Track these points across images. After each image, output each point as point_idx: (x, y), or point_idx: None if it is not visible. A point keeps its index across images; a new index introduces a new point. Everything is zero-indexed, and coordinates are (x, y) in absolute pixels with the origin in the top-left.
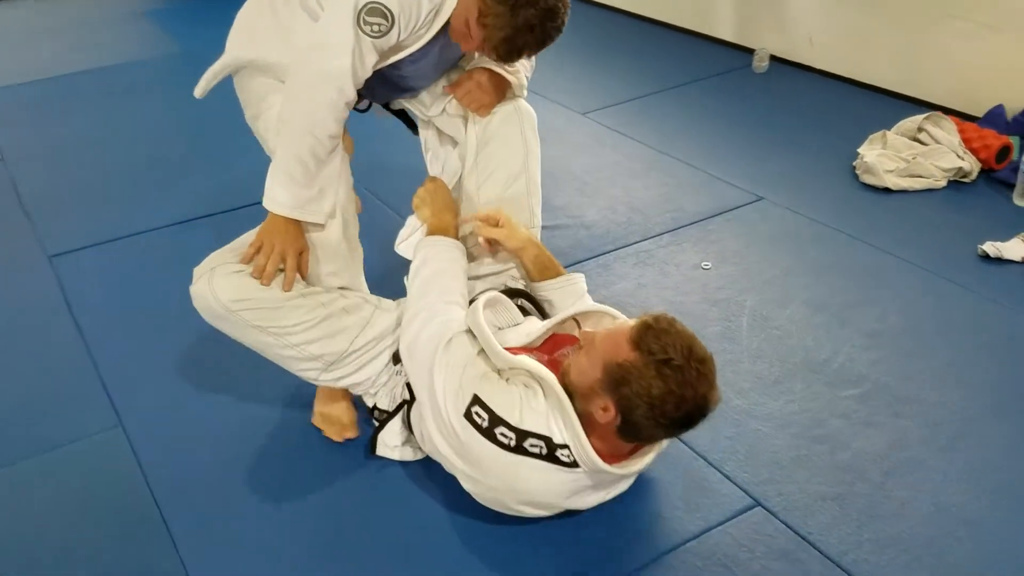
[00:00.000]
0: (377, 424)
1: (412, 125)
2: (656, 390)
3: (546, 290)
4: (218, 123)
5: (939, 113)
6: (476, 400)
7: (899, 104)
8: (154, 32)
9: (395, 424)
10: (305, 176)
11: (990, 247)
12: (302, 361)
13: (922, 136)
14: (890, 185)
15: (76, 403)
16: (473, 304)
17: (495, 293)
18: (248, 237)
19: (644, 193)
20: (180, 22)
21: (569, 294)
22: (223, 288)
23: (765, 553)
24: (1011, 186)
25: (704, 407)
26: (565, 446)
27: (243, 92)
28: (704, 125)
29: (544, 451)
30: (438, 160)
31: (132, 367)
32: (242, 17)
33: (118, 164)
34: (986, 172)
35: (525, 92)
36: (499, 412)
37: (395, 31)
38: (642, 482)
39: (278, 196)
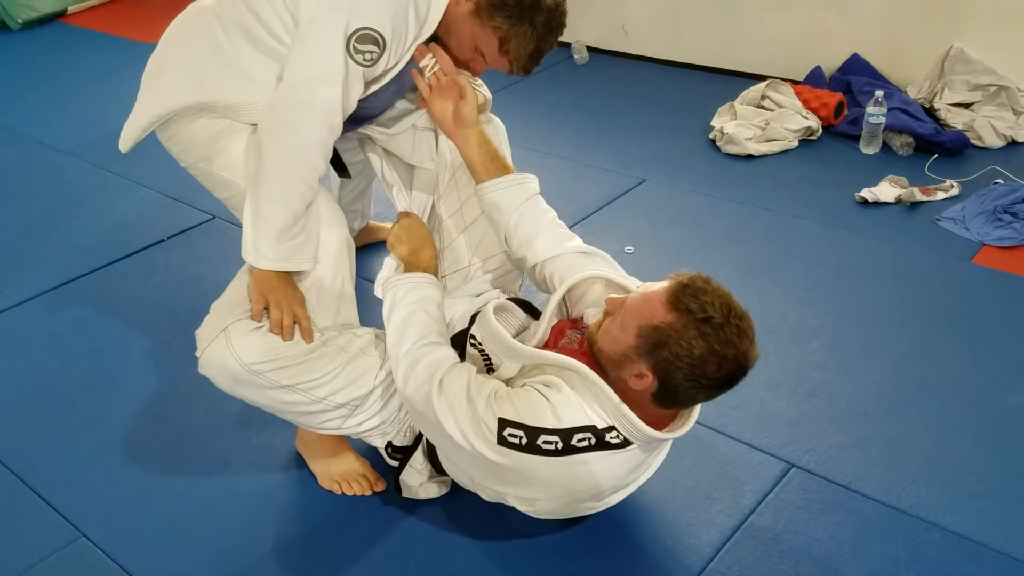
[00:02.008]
0: (395, 462)
1: (341, 166)
2: (698, 350)
3: (494, 189)
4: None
5: (777, 80)
6: (504, 423)
7: (722, 78)
8: None
9: (416, 460)
10: (294, 225)
11: (867, 193)
12: (327, 412)
13: (766, 103)
14: (752, 151)
15: (21, 524)
16: (482, 311)
17: (502, 300)
18: (238, 289)
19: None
20: None
21: (519, 194)
22: (246, 349)
23: (821, 509)
24: (853, 137)
25: (745, 364)
26: (611, 427)
27: (180, 138)
28: (551, 119)
29: (593, 441)
30: (404, 192)
31: (63, 469)
32: (170, 58)
33: None
34: (827, 128)
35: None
36: (534, 423)
37: (384, 58)
38: (674, 468)
39: (263, 250)
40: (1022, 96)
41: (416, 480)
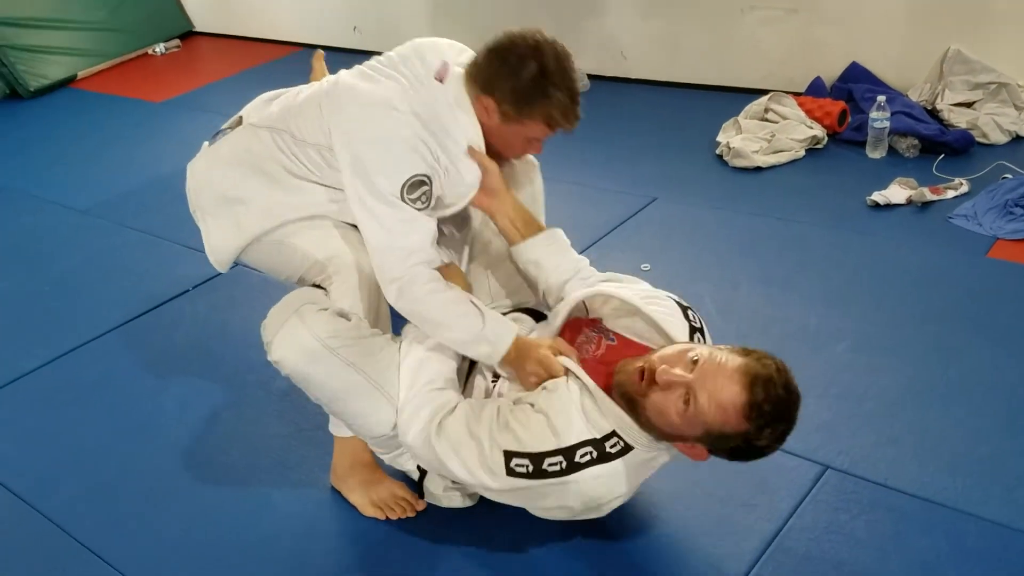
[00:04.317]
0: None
1: None
2: (763, 441)
3: (532, 249)
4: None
5: (779, 92)
6: (509, 455)
7: (723, 95)
8: None
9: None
10: (477, 316)
11: (878, 196)
12: (382, 404)
13: (769, 115)
14: (760, 164)
15: None
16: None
17: (516, 314)
18: (299, 292)
19: (549, 218)
20: None
21: (556, 251)
22: (320, 325)
23: (859, 508)
24: (859, 143)
25: None
26: (611, 434)
27: (286, 249)
28: (558, 147)
29: (595, 455)
30: (442, 243)
31: (107, 519)
32: (241, 189)
33: None
34: (831, 136)
35: None
36: (537, 448)
37: (437, 185)
38: (708, 478)
39: (493, 339)
40: (1023, 92)
41: (438, 486)
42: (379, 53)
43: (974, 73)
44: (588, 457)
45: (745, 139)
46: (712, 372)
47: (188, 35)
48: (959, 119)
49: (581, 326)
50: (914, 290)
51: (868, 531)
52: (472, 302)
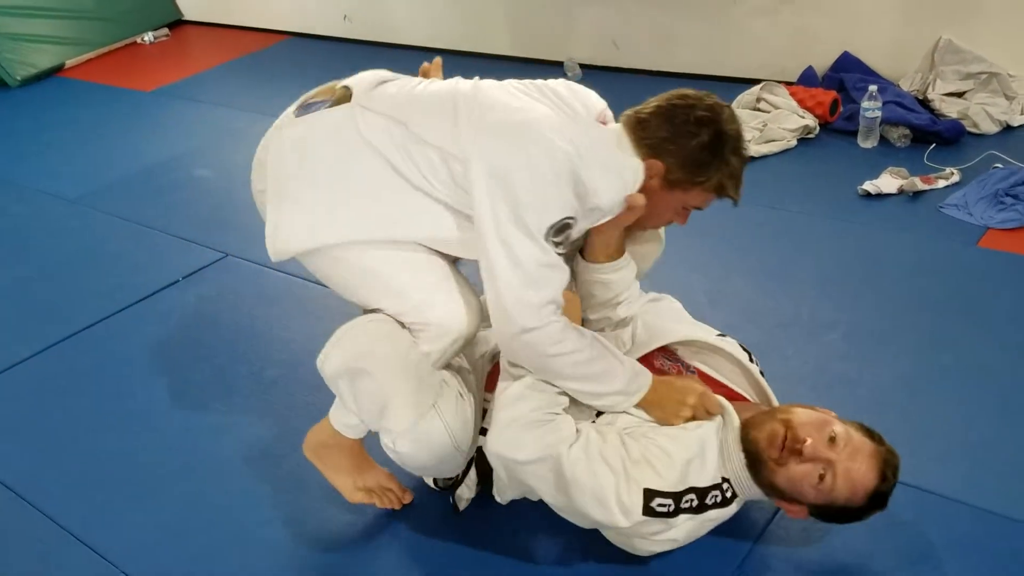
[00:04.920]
0: (441, 487)
1: None
2: (863, 517)
3: (608, 271)
4: None
5: (771, 82)
6: (651, 494)
7: (716, 85)
8: None
9: (470, 479)
10: (605, 368)
11: (870, 186)
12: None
13: (761, 105)
14: (752, 153)
15: (58, 566)
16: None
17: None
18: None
19: None
20: None
21: (626, 276)
22: (454, 420)
23: None
24: (850, 133)
25: None
26: (726, 479)
27: (368, 275)
28: None
29: (719, 499)
30: None
31: (97, 509)
32: (335, 188)
33: None
34: (823, 125)
35: None
36: (678, 488)
37: (574, 232)
38: None
39: (629, 389)
40: (1013, 81)
41: (467, 495)
42: (370, 43)
43: (965, 63)
44: (715, 500)
45: None
46: (852, 455)
47: (177, 24)
48: (950, 109)
49: (655, 354)
50: (905, 279)
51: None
52: (612, 354)
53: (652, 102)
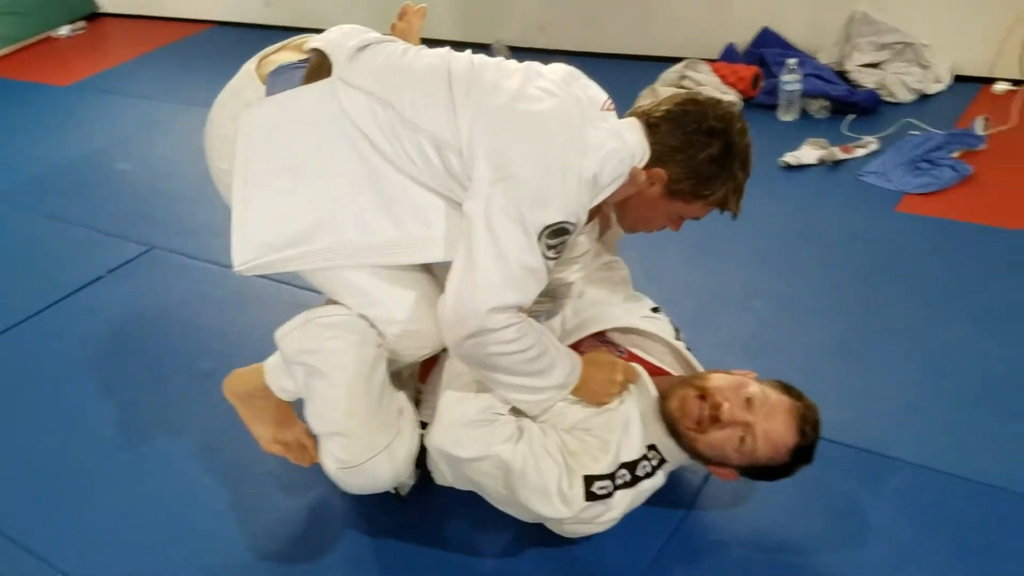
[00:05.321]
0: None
1: None
2: (791, 471)
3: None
4: None
5: (694, 59)
6: (590, 479)
7: (640, 64)
8: None
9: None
10: (549, 363)
11: (790, 157)
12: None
13: (685, 82)
14: None
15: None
16: None
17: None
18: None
19: None
20: None
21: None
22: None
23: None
24: (771, 107)
25: None
26: (653, 447)
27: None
28: None
29: (649, 469)
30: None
31: (33, 509)
32: (318, 189)
33: None
34: (746, 100)
35: None
36: (614, 468)
37: (570, 241)
38: None
39: (552, 387)
40: (927, 51)
41: (409, 482)
42: (293, 28)
43: (880, 34)
44: (646, 471)
45: None
46: (768, 414)
47: (94, 16)
48: (867, 79)
49: (586, 339)
50: (828, 246)
51: (792, 477)
52: (556, 348)
53: (663, 105)
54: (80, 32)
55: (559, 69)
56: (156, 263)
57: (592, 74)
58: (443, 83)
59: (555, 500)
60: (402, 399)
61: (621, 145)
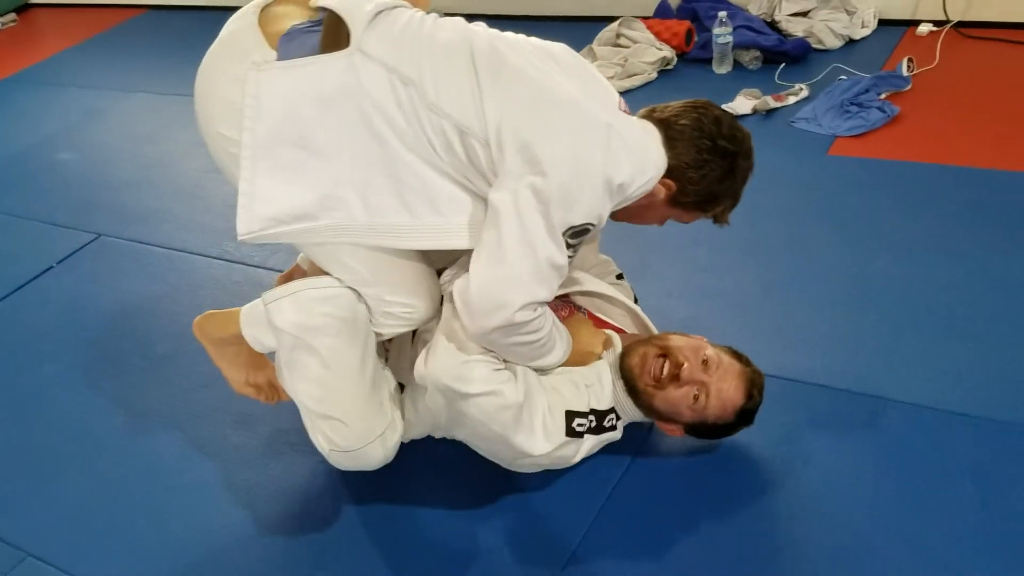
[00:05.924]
0: None
1: None
2: (732, 431)
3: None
4: None
5: (628, 17)
6: (571, 415)
7: (577, 25)
8: None
9: None
10: (555, 344)
11: (726, 108)
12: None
13: (621, 40)
14: (616, 89)
15: None
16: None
17: None
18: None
19: None
20: None
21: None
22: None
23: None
24: (706, 60)
25: None
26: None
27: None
28: None
29: (615, 421)
30: None
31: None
32: (332, 162)
33: None
34: (680, 56)
35: None
36: (586, 408)
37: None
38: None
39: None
40: None
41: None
42: (228, 8)
43: None
44: (611, 423)
45: (601, 66)
46: (722, 376)
47: (25, 8)
48: (796, 28)
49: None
50: (763, 192)
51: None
52: (558, 329)
53: (683, 119)
54: (11, 25)
55: (568, 53)
56: (105, 251)
57: (535, 34)
58: (466, 64)
59: (539, 435)
60: (390, 381)
61: (650, 161)
